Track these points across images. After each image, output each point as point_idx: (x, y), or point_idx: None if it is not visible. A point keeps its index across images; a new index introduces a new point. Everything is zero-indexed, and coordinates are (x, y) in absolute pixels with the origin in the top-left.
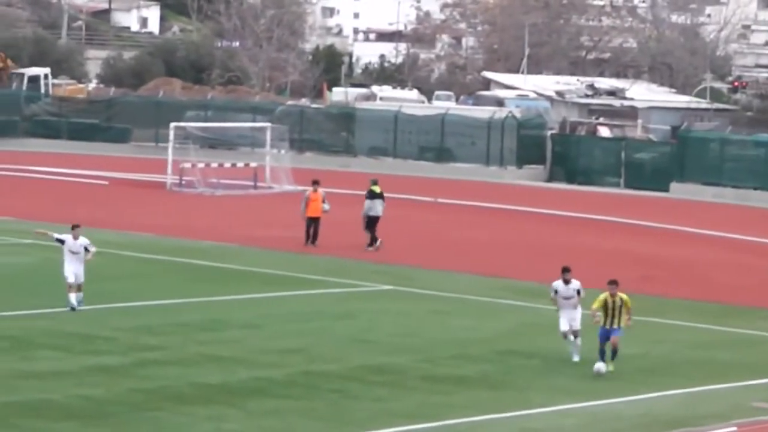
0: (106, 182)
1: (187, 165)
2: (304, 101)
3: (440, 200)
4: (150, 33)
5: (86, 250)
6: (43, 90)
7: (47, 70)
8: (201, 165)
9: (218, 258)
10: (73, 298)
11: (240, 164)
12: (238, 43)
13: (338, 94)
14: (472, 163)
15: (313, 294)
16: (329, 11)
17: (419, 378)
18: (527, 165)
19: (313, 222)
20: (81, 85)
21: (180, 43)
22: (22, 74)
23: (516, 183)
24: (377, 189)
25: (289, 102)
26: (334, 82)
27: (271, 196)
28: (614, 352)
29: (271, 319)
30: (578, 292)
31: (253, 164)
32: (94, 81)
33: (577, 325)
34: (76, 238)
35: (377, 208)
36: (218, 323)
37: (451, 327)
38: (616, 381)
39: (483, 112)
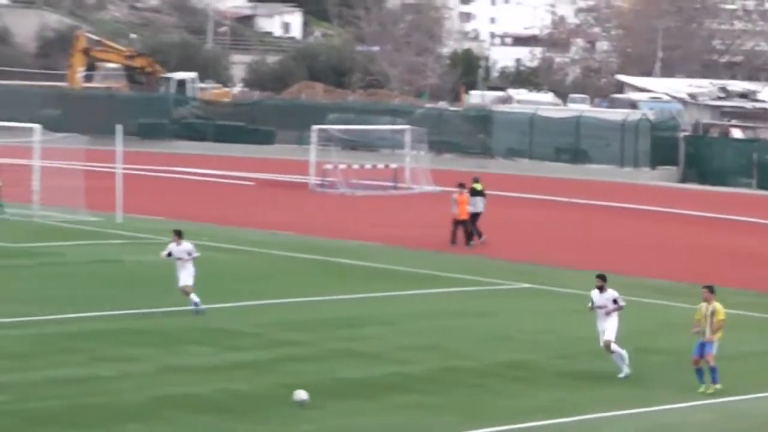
0: (252, 183)
1: (329, 166)
2: (442, 104)
3: (574, 200)
4: (292, 38)
5: (188, 254)
6: (190, 93)
7: (194, 74)
8: (342, 166)
9: (359, 256)
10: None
11: (380, 165)
12: (377, 48)
13: (475, 97)
14: (606, 165)
15: (452, 292)
16: (466, 16)
17: (556, 374)
18: (660, 166)
19: (461, 224)
20: (226, 89)
21: (321, 47)
22: (171, 78)
23: (649, 184)
24: (479, 187)
25: (428, 105)
26: (471, 86)
27: (411, 196)
28: (713, 371)
29: (409, 316)
30: (614, 301)
31: (393, 165)
32: (239, 85)
33: (608, 336)
34: (179, 243)
35: (478, 204)
36: (358, 320)
37: (587, 324)
38: (747, 378)
39: (617, 115)
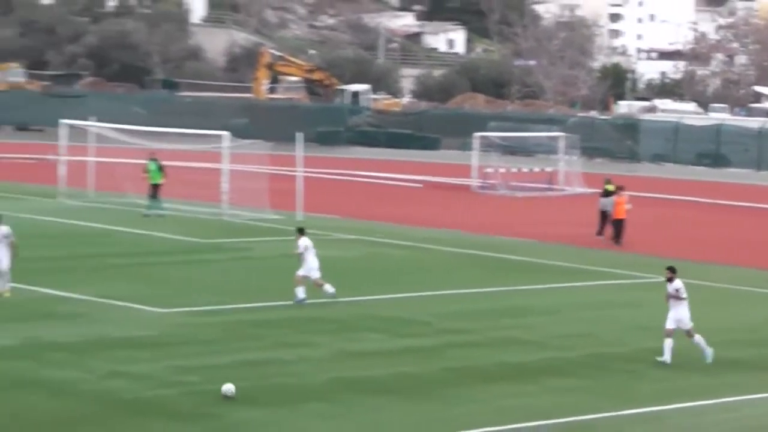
0: (420, 185)
1: (490, 170)
2: (593, 113)
3: (715, 201)
4: (456, 53)
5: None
6: (363, 104)
7: (367, 86)
8: (502, 170)
9: (518, 252)
10: (328, 288)
11: (536, 169)
12: (534, 62)
13: (623, 107)
14: (744, 168)
15: (602, 284)
16: (615, 33)
17: (697, 360)
18: None
19: (618, 223)
20: (396, 100)
21: (483, 62)
22: (345, 90)
23: None
24: (611, 188)
25: (580, 114)
26: (620, 96)
27: (564, 197)
28: None
29: (565, 306)
30: (677, 290)
31: (548, 169)
32: (408, 96)
33: (684, 325)
34: (298, 239)
35: (609, 204)
36: (519, 310)
37: (723, 315)
38: None
39: (754, 122)
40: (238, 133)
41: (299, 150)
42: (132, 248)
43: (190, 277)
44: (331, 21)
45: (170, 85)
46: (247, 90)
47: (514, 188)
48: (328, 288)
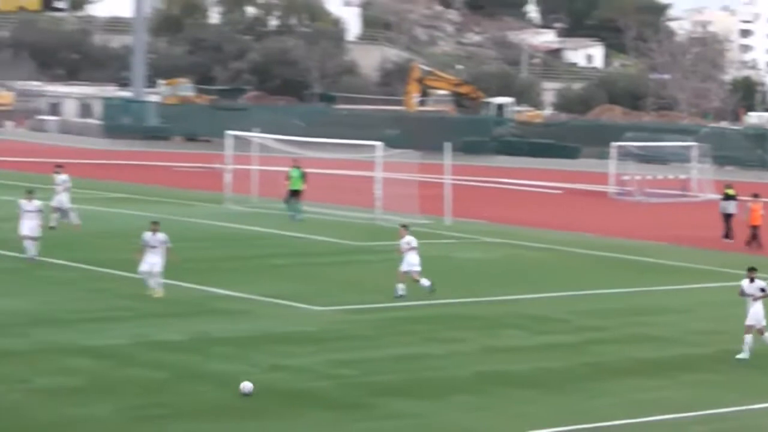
0: (560, 191)
1: (627, 177)
2: (724, 124)
3: None
4: (595, 68)
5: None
6: (507, 116)
7: (511, 99)
8: (638, 177)
9: (653, 254)
10: (424, 281)
11: (670, 177)
12: (668, 76)
13: (753, 118)
14: None
15: (731, 285)
16: (745, 48)
17: None
18: None
19: (755, 229)
20: (538, 112)
21: (620, 75)
22: (490, 103)
23: None
24: (731, 192)
25: (712, 125)
26: (750, 108)
27: (697, 203)
28: None
29: (697, 305)
30: (762, 289)
31: (681, 177)
32: (549, 108)
33: (755, 322)
34: (403, 236)
35: (730, 207)
36: (653, 308)
37: None
38: None
39: None
40: (390, 143)
41: (447, 158)
42: (292, 250)
43: (345, 277)
44: (477, 38)
45: (327, 99)
46: (399, 103)
47: (649, 195)
48: (425, 281)
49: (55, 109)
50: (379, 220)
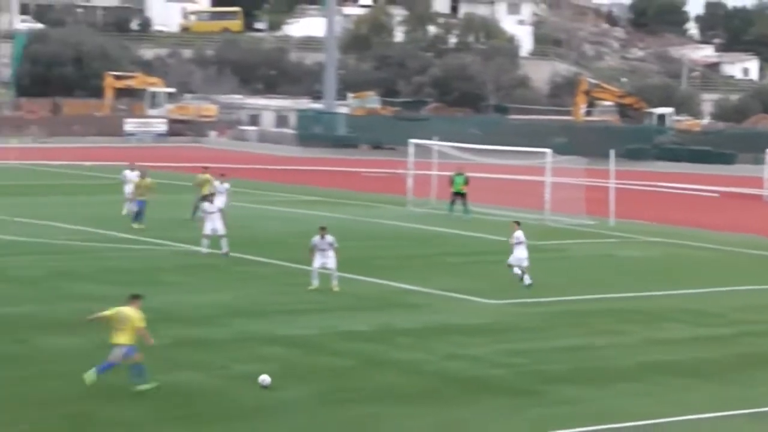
0: (717, 195)
1: None
2: None
3: None
4: (750, 80)
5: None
6: (668, 125)
7: (671, 109)
8: None
9: None
10: (526, 278)
11: None
12: None
13: None
14: None
15: None
16: None
17: None
18: None
19: None
20: (697, 121)
21: None
22: (652, 113)
23: None
24: None
25: None
26: None
27: None
28: None
29: None
30: None
31: None
32: (707, 117)
33: None
34: (515, 231)
35: None
36: None
37: None
38: None
39: None
40: (559, 150)
41: (612, 164)
42: (467, 248)
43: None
44: (640, 53)
45: (501, 110)
46: (567, 113)
47: None
48: (527, 279)
49: (254, 120)
50: (548, 220)
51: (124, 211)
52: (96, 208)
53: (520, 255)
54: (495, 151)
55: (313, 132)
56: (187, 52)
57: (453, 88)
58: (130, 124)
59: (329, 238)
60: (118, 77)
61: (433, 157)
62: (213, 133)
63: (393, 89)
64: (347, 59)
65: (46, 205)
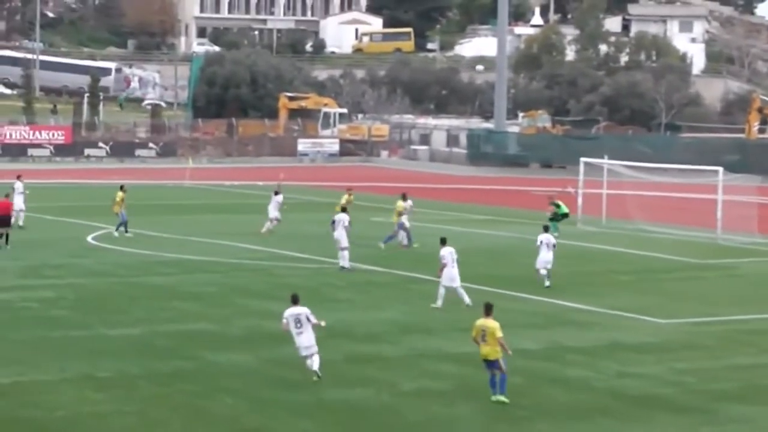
0: None
1: None
2: None
3: None
4: None
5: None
6: None
7: None
8: None
9: None
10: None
11: None
12: None
13: None
14: None
15: None
16: None
17: None
18: None
19: None
20: None
21: None
22: None
23: None
24: None
25: None
26: None
27: None
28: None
29: None
30: None
31: None
32: None
33: None
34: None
35: None
36: None
37: None
38: None
39: None
40: (731, 168)
41: None
42: (636, 266)
43: (687, 292)
44: None
45: (673, 128)
46: (740, 131)
47: None
48: (547, 282)
49: (425, 140)
50: (719, 239)
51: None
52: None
53: (545, 258)
54: (666, 170)
55: (484, 151)
56: (360, 73)
57: (623, 106)
58: (302, 144)
59: (449, 248)
60: (291, 98)
61: (603, 176)
62: (384, 153)
63: (563, 108)
64: (518, 78)
65: (215, 223)
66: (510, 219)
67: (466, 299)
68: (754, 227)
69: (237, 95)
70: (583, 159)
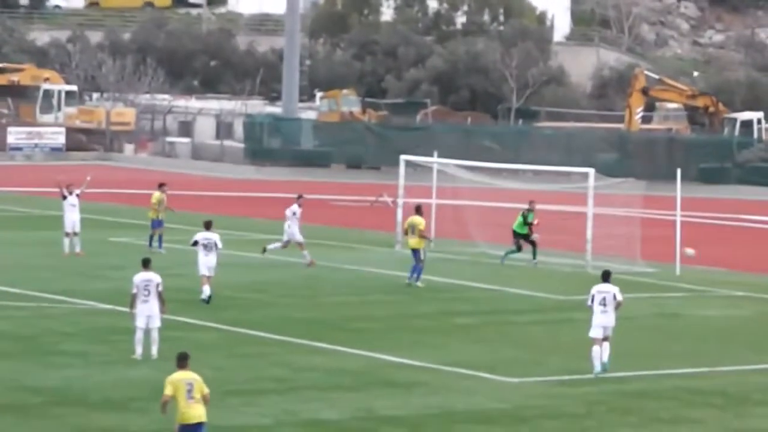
0: None
1: None
2: None
3: None
4: None
5: None
6: (756, 135)
7: (760, 114)
8: None
9: None
10: None
11: None
12: None
13: None
14: None
15: None
16: None
17: None
18: None
19: None
20: None
21: None
22: (735, 119)
23: None
24: None
25: None
26: None
27: None
28: None
29: None
30: None
31: None
32: None
33: None
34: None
35: None
36: None
37: None
38: None
39: None
40: (606, 169)
41: (678, 190)
42: (479, 306)
43: (546, 339)
44: (718, 37)
45: (527, 115)
46: (618, 120)
47: None
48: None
49: (186, 129)
50: (590, 267)
51: None
52: None
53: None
54: (518, 172)
55: (268, 146)
56: (96, 36)
57: (460, 85)
58: (14, 135)
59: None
60: None
61: (432, 181)
62: (129, 147)
63: (378, 87)
64: (315, 46)
65: None
66: (308, 240)
67: None
68: (636, 252)
69: None
70: (404, 157)
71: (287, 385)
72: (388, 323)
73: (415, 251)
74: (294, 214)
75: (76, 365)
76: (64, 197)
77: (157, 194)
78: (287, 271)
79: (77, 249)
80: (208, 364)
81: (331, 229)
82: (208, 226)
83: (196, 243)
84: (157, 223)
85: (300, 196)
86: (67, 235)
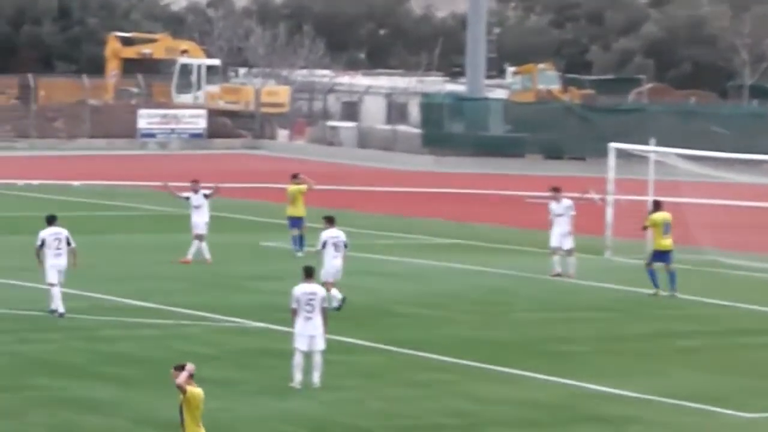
0: None
1: None
2: None
3: None
4: None
5: None
6: None
7: None
8: None
9: None
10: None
11: None
12: None
13: None
14: None
15: None
16: None
17: None
18: None
19: None
20: None
21: None
22: None
23: None
24: None
25: None
26: None
27: None
28: None
29: None
30: None
31: None
32: None
33: None
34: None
35: None
36: None
37: None
38: None
39: None
40: None
41: None
42: (708, 325)
43: None
44: None
45: (762, 93)
46: None
47: None
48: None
49: (351, 112)
50: None
51: None
52: None
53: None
54: (753, 163)
55: (449, 131)
56: (242, 0)
57: (682, 57)
58: (146, 119)
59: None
60: (127, 41)
61: (649, 173)
62: (283, 133)
63: (582, 60)
64: (505, 11)
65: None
66: (487, 244)
67: None
68: None
69: (35, 35)
70: (613, 145)
71: (470, 420)
72: (593, 345)
73: (667, 254)
74: None
75: (218, 395)
76: (187, 198)
77: (292, 188)
78: (468, 281)
79: (206, 255)
80: (376, 394)
81: (522, 232)
82: (331, 221)
83: (325, 244)
84: (295, 222)
85: None
86: (198, 237)
